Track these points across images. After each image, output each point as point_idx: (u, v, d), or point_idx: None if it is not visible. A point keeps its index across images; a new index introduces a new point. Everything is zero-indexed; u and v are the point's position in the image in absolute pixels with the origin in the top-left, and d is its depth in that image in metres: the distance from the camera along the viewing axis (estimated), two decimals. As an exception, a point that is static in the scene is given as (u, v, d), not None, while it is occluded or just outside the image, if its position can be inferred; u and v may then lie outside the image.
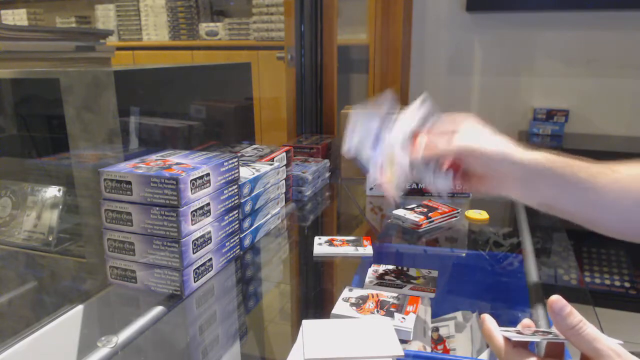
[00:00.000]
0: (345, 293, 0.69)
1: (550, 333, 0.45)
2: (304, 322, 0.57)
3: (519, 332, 0.46)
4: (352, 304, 0.65)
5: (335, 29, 1.62)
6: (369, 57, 2.18)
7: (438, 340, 0.72)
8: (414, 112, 0.66)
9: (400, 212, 1.02)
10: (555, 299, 0.42)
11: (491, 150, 0.59)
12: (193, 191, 0.69)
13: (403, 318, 0.62)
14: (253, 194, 0.88)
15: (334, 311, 0.64)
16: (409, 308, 0.64)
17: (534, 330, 0.47)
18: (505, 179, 0.60)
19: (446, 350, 0.71)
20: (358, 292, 0.69)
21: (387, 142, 0.65)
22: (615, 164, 0.58)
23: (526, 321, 0.48)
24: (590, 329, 0.40)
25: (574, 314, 0.41)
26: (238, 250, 0.84)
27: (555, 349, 0.45)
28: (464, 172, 0.64)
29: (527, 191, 0.60)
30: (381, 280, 0.74)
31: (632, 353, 0.39)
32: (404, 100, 2.23)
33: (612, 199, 0.56)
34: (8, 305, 1.04)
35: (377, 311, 0.63)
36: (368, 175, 0.67)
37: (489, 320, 0.47)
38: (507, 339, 0.44)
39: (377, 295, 0.68)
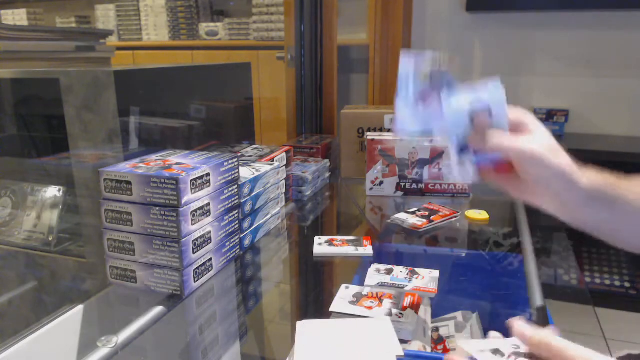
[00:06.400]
0: (343, 291, 0.69)
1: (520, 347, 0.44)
2: (299, 323, 0.56)
3: (494, 350, 0.45)
4: (350, 301, 0.65)
5: (335, 29, 1.62)
6: (369, 57, 2.18)
7: (438, 340, 0.72)
8: (483, 92, 0.58)
9: (401, 215, 1.02)
10: (514, 325, 0.43)
11: (558, 166, 0.54)
12: (193, 191, 0.69)
13: (400, 314, 0.62)
14: (253, 194, 0.88)
15: (332, 308, 0.64)
16: (406, 303, 0.64)
17: (509, 344, 0.46)
18: (556, 198, 0.56)
19: (446, 350, 0.70)
20: (355, 289, 0.69)
21: (453, 110, 0.58)
22: None
23: (493, 333, 0.48)
24: (556, 342, 0.41)
25: (537, 333, 0.42)
26: (238, 250, 0.84)
27: None
28: (513, 175, 0.59)
29: (576, 214, 0.57)
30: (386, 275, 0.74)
31: (629, 356, 0.39)
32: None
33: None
34: (8, 305, 1.04)
35: (372, 301, 0.64)
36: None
37: (462, 346, 0.46)
38: None
39: (375, 292, 0.68)
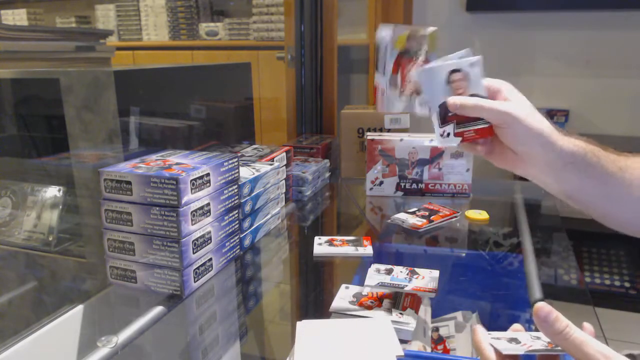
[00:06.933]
0: (343, 291, 0.69)
1: (540, 338, 0.44)
2: (299, 323, 0.56)
3: (510, 339, 0.45)
4: (350, 301, 0.65)
5: (335, 29, 1.62)
6: (369, 57, 2.18)
7: (438, 340, 0.72)
8: (459, 60, 0.60)
9: (401, 215, 1.02)
10: (541, 305, 0.41)
11: (537, 129, 0.54)
12: (193, 191, 0.69)
13: (401, 314, 0.62)
14: (253, 194, 0.88)
15: (332, 308, 0.64)
16: (406, 304, 0.64)
17: (527, 336, 0.46)
18: (536, 162, 0.56)
19: (446, 350, 0.70)
20: (355, 289, 0.69)
21: (432, 72, 0.59)
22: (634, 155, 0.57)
23: (516, 326, 0.48)
24: (577, 333, 0.40)
25: (560, 320, 0.41)
26: (238, 250, 0.84)
27: (550, 356, 0.45)
28: (493, 142, 0.60)
29: (554, 179, 0.57)
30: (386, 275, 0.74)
31: (627, 356, 0.39)
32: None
33: (636, 194, 0.55)
34: (8, 305, 1.04)
35: (372, 302, 0.64)
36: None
37: (479, 331, 0.46)
38: (497, 350, 0.44)
39: (375, 293, 0.68)
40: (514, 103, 0.56)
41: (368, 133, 1.22)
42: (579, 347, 0.39)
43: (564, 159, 0.55)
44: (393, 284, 0.73)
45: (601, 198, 0.57)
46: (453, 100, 0.57)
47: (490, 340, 0.45)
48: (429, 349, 0.63)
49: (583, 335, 0.40)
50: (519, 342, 0.45)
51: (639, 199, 0.56)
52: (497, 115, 0.55)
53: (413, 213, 1.03)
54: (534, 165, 0.57)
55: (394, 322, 0.60)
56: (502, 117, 0.55)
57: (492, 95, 0.58)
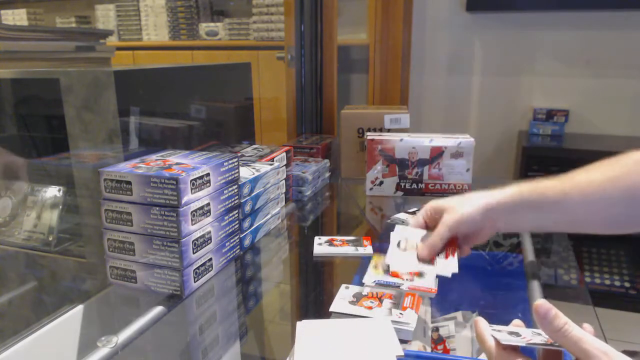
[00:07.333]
0: (343, 291, 0.69)
1: (541, 334, 0.45)
2: (299, 323, 0.56)
3: (511, 333, 0.46)
4: (350, 301, 0.65)
5: (335, 29, 1.62)
6: (369, 57, 2.18)
7: (438, 340, 0.72)
8: (407, 235, 0.75)
9: (401, 215, 1.02)
10: (540, 302, 0.42)
11: (473, 210, 0.67)
12: (193, 191, 0.69)
13: (401, 314, 0.62)
14: (253, 194, 0.88)
15: (332, 308, 0.64)
16: (406, 304, 0.64)
17: (529, 331, 0.47)
18: (493, 224, 0.69)
19: (446, 350, 0.70)
20: (355, 289, 0.69)
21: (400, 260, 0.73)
22: (577, 173, 0.65)
23: (516, 321, 0.49)
24: (576, 331, 0.40)
25: (559, 317, 0.41)
26: (238, 250, 0.84)
27: (551, 353, 0.46)
28: (464, 238, 0.72)
29: (513, 224, 0.70)
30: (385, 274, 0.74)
31: (626, 352, 0.39)
32: (404, 101, 2.24)
33: (580, 205, 0.64)
34: (8, 305, 1.04)
35: (372, 301, 0.64)
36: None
37: (481, 322, 0.48)
38: (497, 341, 0.45)
39: (375, 293, 0.68)
40: (445, 216, 0.69)
41: (368, 133, 1.22)
42: (577, 344, 0.40)
43: (507, 208, 0.67)
44: (393, 283, 0.73)
45: (558, 217, 0.66)
46: (422, 255, 0.71)
47: (491, 331, 0.46)
48: (429, 349, 0.63)
49: (581, 332, 0.40)
50: (520, 336, 0.45)
51: (589, 205, 0.63)
52: (448, 233, 0.69)
53: (413, 213, 1.03)
54: (495, 225, 0.69)
55: (394, 322, 0.60)
56: (454, 230, 0.68)
57: (436, 216, 0.72)
